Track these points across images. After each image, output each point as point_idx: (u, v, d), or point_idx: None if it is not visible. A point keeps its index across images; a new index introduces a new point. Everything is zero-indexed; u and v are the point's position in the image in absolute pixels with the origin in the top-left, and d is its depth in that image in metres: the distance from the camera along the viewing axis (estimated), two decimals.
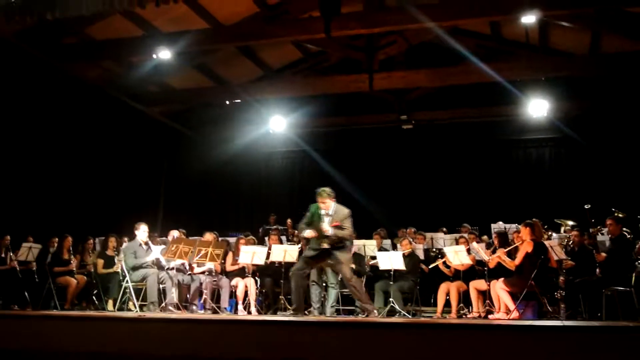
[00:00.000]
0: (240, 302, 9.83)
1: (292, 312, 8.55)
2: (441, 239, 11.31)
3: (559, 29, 11.66)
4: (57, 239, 10.61)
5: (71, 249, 10.32)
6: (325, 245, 8.01)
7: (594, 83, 13.23)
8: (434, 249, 11.13)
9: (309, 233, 8.11)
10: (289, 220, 13.80)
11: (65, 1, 8.42)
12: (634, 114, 13.17)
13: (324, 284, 9.14)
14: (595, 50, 11.86)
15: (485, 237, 11.08)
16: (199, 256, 9.23)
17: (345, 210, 8.14)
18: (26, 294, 9.87)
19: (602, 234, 10.02)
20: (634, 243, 9.01)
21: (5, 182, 10.96)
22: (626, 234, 9.18)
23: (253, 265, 9.88)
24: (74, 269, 10.21)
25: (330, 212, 8.11)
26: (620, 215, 9.81)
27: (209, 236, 10.37)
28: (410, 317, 9.30)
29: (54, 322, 6.51)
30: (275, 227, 13.18)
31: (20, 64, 10.88)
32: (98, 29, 11.11)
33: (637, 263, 8.59)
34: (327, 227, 7.96)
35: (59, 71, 11.67)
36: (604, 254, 8.99)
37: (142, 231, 9.66)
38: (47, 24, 9.62)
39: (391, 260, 9.48)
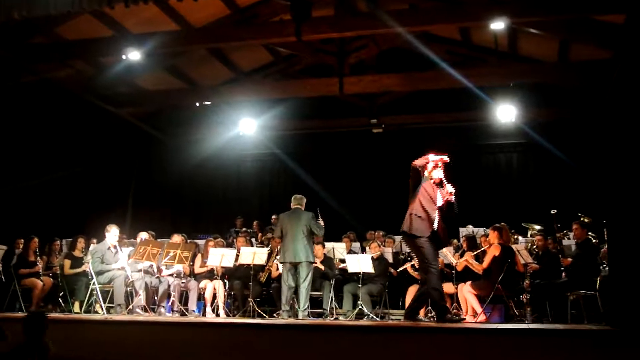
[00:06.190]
0: (208, 304, 9.80)
1: None
2: None
3: (527, 36, 11.76)
4: (22, 241, 10.47)
5: (37, 250, 10.18)
6: None
7: (562, 90, 13.34)
8: (403, 252, 11.18)
9: None
10: (255, 223, 13.74)
11: (33, 0, 8.31)
12: (600, 122, 13.30)
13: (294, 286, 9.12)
14: (563, 57, 11.97)
15: (454, 241, 11.15)
16: (167, 258, 9.20)
17: None
18: None
19: (568, 238, 10.16)
20: (599, 248, 9.17)
21: None
22: (591, 239, 9.33)
23: (222, 267, 9.84)
24: (40, 270, 10.07)
25: None
26: (586, 220, 9.98)
27: (177, 238, 10.35)
28: (378, 319, 9.34)
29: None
30: (243, 230, 13.12)
31: None
32: (68, 28, 10.97)
33: (602, 267, 8.74)
34: None
35: (26, 71, 11.52)
36: (569, 259, 9.14)
37: (112, 234, 9.57)
38: (15, 23, 9.47)
39: (360, 263, 9.51)
